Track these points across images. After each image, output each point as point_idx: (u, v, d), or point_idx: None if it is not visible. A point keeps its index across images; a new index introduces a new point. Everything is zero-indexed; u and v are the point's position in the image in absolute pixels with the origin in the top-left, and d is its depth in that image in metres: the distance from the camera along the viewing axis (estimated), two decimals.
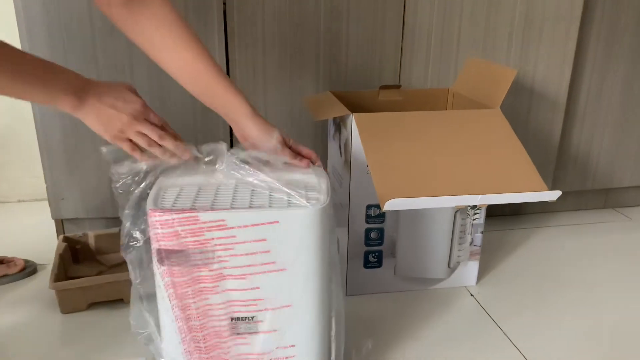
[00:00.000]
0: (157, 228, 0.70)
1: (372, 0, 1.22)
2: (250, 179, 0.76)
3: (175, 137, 0.83)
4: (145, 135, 0.81)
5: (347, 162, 1.04)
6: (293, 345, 0.77)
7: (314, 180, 0.79)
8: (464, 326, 1.03)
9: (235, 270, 0.72)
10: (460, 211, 1.10)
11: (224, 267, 0.72)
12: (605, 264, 1.28)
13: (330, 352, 0.82)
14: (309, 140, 1.29)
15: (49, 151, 1.20)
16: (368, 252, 1.10)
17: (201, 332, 0.75)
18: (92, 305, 1.06)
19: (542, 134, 1.40)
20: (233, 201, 0.72)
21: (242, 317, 0.74)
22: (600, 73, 1.40)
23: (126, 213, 0.77)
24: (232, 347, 0.76)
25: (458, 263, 1.15)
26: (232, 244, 0.70)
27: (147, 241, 0.74)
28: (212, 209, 0.70)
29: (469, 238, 1.13)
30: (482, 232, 1.13)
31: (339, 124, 1.09)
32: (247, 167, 0.77)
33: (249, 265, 0.72)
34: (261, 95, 1.24)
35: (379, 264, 1.11)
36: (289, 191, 0.73)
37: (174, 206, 0.71)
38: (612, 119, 1.45)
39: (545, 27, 1.31)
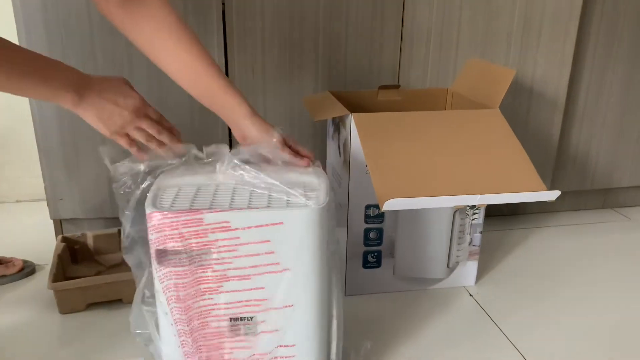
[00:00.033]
0: (159, 230, 0.70)
1: (371, 1, 1.22)
2: (250, 179, 0.76)
3: (172, 130, 0.85)
4: (143, 130, 0.81)
5: (346, 162, 1.04)
6: (294, 345, 0.77)
7: (314, 180, 0.79)
8: (463, 326, 1.03)
9: (239, 271, 0.72)
10: (459, 211, 1.10)
11: (228, 269, 0.71)
12: (604, 264, 1.28)
13: (330, 352, 0.82)
14: (308, 141, 1.29)
15: (47, 151, 1.20)
16: (367, 252, 1.10)
17: (202, 333, 0.75)
18: (91, 305, 1.06)
19: (541, 134, 1.40)
20: (232, 202, 0.72)
21: (243, 318, 0.74)
22: (599, 73, 1.40)
23: (126, 215, 0.76)
24: (233, 347, 0.76)
25: (457, 263, 1.15)
26: (235, 245, 0.70)
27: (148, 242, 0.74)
28: (217, 210, 0.70)
29: (468, 238, 1.13)
30: (481, 232, 1.13)
31: (338, 124, 1.09)
32: (247, 167, 0.77)
33: (253, 266, 0.72)
34: (260, 95, 1.24)
35: (378, 264, 1.11)
36: (291, 191, 0.73)
37: (172, 207, 0.70)
38: (611, 119, 1.45)
39: (544, 28, 1.31)
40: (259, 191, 0.75)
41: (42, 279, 1.17)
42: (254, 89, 1.23)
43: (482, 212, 1.12)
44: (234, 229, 0.70)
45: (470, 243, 1.13)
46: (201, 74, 0.81)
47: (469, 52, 1.30)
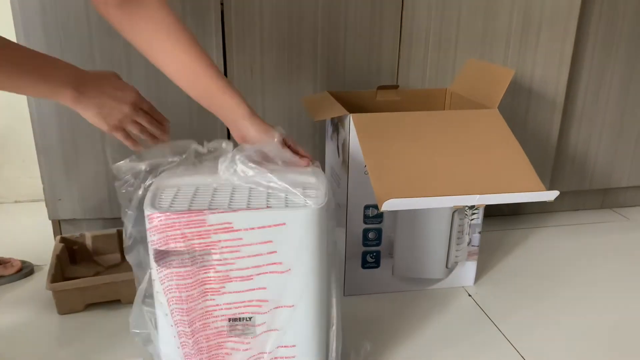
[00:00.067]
0: (162, 231, 0.69)
1: (370, 1, 1.22)
2: (258, 178, 0.76)
3: (162, 121, 0.89)
4: (138, 123, 0.83)
5: (345, 163, 1.04)
6: (294, 346, 0.77)
7: (313, 180, 0.79)
8: (462, 326, 1.03)
9: (241, 272, 0.72)
10: (458, 211, 1.10)
11: (230, 270, 0.71)
12: (603, 264, 1.28)
13: (330, 352, 0.82)
14: (307, 141, 1.29)
15: (46, 152, 1.20)
16: (366, 253, 1.10)
17: (203, 334, 0.75)
18: (89, 306, 1.06)
19: (539, 134, 1.40)
20: (231, 202, 0.72)
21: (244, 318, 0.74)
22: (598, 73, 1.40)
23: (129, 214, 0.76)
24: (233, 348, 0.76)
25: (456, 263, 1.15)
26: (238, 246, 0.70)
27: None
28: (220, 211, 0.69)
29: (466, 238, 1.13)
30: (479, 232, 1.13)
31: (337, 124, 1.09)
32: (247, 166, 0.76)
33: (255, 267, 0.72)
34: (259, 96, 1.24)
35: (376, 264, 1.11)
36: (294, 191, 0.73)
37: (172, 207, 0.70)
38: (609, 119, 1.45)
39: (543, 28, 1.31)
40: (260, 189, 0.75)
41: (40, 279, 1.17)
42: (252, 90, 1.23)
43: (481, 212, 1.12)
44: (237, 230, 0.70)
45: (469, 243, 1.13)
46: (200, 75, 0.81)
47: (467, 52, 1.30)
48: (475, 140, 0.98)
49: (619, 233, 1.45)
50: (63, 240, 1.18)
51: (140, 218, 0.73)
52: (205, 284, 0.72)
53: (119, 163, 0.78)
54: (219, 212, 0.69)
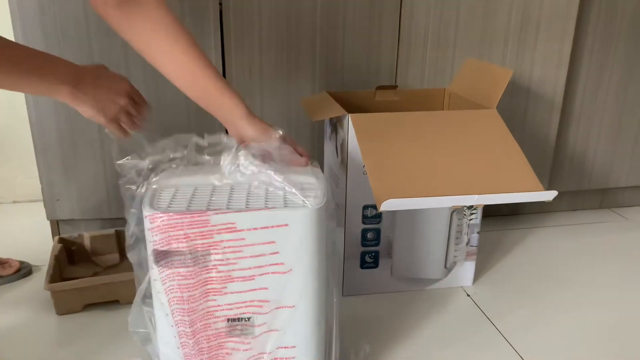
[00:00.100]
0: (164, 231, 0.69)
1: (369, 1, 1.22)
2: (253, 177, 0.76)
3: (146, 106, 0.91)
4: (129, 113, 0.86)
5: (344, 163, 1.04)
6: (294, 347, 0.77)
7: (313, 180, 0.78)
8: (461, 326, 1.03)
9: (243, 272, 0.72)
10: (456, 211, 1.10)
11: (232, 270, 0.71)
12: (602, 264, 1.28)
13: (330, 352, 0.82)
14: (306, 141, 1.29)
15: (44, 152, 1.20)
16: (364, 253, 1.10)
17: (204, 335, 0.75)
18: (88, 306, 1.06)
19: (538, 134, 1.40)
20: (229, 202, 0.72)
21: (245, 319, 0.74)
22: (597, 73, 1.40)
23: (132, 212, 0.76)
24: (234, 348, 0.76)
25: (454, 263, 1.15)
26: (241, 246, 0.70)
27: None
28: (223, 211, 0.69)
29: (465, 238, 1.13)
30: (478, 233, 1.13)
31: (336, 124, 1.09)
32: (251, 163, 0.76)
33: (257, 267, 0.72)
34: (257, 96, 1.24)
35: (375, 264, 1.11)
36: (295, 191, 0.73)
37: (173, 208, 0.70)
38: (608, 119, 1.45)
39: (541, 27, 1.31)
40: (258, 191, 0.75)
41: (39, 280, 1.17)
42: (251, 90, 1.23)
43: (479, 212, 1.12)
44: (240, 230, 0.70)
45: (467, 243, 1.13)
46: (198, 75, 0.81)
47: (466, 52, 1.30)
48: (473, 140, 0.98)
49: (618, 233, 1.45)
50: (61, 240, 1.18)
51: (142, 217, 0.73)
52: (207, 284, 0.72)
53: (122, 160, 0.78)
54: (222, 213, 0.69)
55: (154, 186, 0.76)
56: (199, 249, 0.70)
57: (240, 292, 0.73)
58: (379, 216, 1.07)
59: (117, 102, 0.84)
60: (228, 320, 0.74)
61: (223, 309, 0.74)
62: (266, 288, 0.73)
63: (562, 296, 1.14)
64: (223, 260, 0.71)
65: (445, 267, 1.14)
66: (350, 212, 1.06)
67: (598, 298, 1.13)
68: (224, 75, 1.20)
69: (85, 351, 0.95)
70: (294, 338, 0.77)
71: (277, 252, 0.71)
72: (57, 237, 1.19)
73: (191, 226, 0.69)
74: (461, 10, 1.26)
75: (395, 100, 1.21)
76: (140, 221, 0.73)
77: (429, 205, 0.90)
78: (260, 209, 0.70)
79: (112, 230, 1.21)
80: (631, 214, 1.57)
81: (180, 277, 0.71)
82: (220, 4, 1.16)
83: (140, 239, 0.76)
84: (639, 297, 1.14)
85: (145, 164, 0.78)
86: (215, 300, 0.73)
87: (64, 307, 1.04)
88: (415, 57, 1.28)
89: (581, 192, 1.57)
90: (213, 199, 0.73)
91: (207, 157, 0.80)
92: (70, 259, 1.19)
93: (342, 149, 1.05)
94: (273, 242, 0.71)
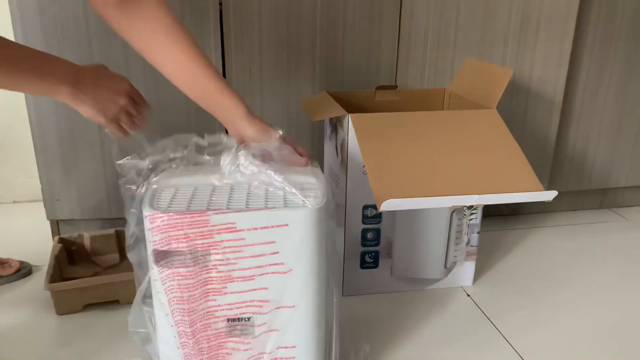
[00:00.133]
0: (164, 231, 0.69)
1: (369, 1, 1.22)
2: (253, 177, 0.76)
3: (146, 106, 0.91)
4: (129, 112, 0.86)
5: (344, 163, 1.04)
6: (294, 347, 0.77)
7: (313, 180, 0.79)
8: (461, 326, 1.03)
9: (243, 272, 0.72)
10: (456, 211, 1.10)
11: (232, 270, 0.71)
12: (602, 264, 1.28)
13: (330, 352, 0.82)
14: (306, 141, 1.29)
15: (44, 152, 1.20)
16: (364, 253, 1.10)
17: (204, 335, 0.75)
18: (88, 306, 1.06)
19: (538, 134, 1.40)
20: (229, 202, 0.72)
21: (245, 319, 0.74)
22: (597, 72, 1.40)
23: (132, 212, 0.76)
24: (234, 348, 0.76)
25: (454, 263, 1.15)
26: (241, 246, 0.70)
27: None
28: (223, 211, 0.69)
29: (465, 238, 1.13)
30: (478, 232, 1.13)
31: (336, 124, 1.09)
32: (251, 162, 0.76)
33: (257, 267, 0.72)
34: (257, 96, 1.24)
35: (375, 264, 1.11)
36: (295, 191, 0.73)
37: (173, 208, 0.70)
38: (608, 119, 1.45)
39: (541, 27, 1.31)
40: (258, 191, 0.75)
41: (38, 280, 1.17)
42: (251, 90, 1.23)
43: (479, 212, 1.12)
44: (240, 230, 0.70)
45: (467, 243, 1.13)
46: (198, 75, 0.81)
47: (466, 51, 1.30)
48: (473, 140, 0.98)
49: (618, 233, 1.45)
50: (61, 240, 1.18)
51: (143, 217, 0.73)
52: (207, 284, 0.72)
53: (122, 160, 0.78)
54: (222, 213, 0.69)
55: (154, 186, 0.76)
56: (199, 249, 0.70)
57: (240, 292, 0.73)
58: (379, 216, 1.07)
59: (117, 102, 0.85)
60: (228, 320, 0.74)
61: (223, 309, 0.74)
62: (266, 288, 0.73)
63: (562, 296, 1.14)
64: (223, 260, 0.71)
65: (445, 267, 1.14)
66: (350, 212, 1.06)
67: (598, 298, 1.13)
68: (224, 75, 1.20)
69: (85, 351, 0.95)
70: (294, 338, 0.76)
71: (277, 252, 0.71)
72: (57, 237, 1.19)
73: (191, 226, 0.69)
74: (461, 10, 1.26)
75: (395, 100, 1.21)
76: (140, 221, 0.73)
77: (429, 205, 0.90)
78: (260, 209, 0.70)
79: (112, 230, 1.21)
80: (631, 214, 1.57)
81: (180, 277, 0.71)
82: (220, 4, 1.16)
83: (141, 239, 0.75)
84: (638, 297, 1.14)
85: (145, 164, 0.78)
86: (215, 300, 0.73)
87: (64, 307, 1.04)
88: (415, 57, 1.28)
89: (581, 192, 1.57)
90: (213, 199, 0.73)
91: (207, 157, 0.80)
92: (70, 259, 1.19)
93: (342, 149, 1.05)
94: (273, 242, 0.71)
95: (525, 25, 1.30)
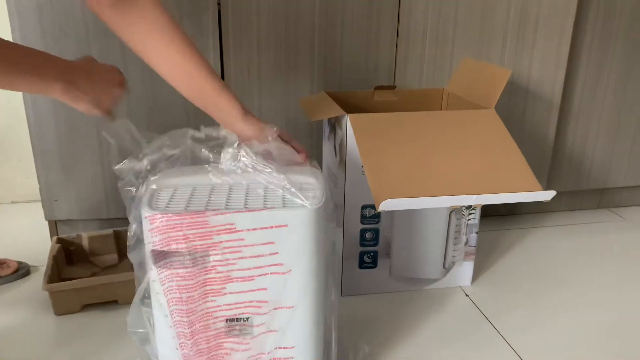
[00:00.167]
0: (163, 232, 0.69)
1: (367, 1, 1.22)
2: (250, 178, 0.76)
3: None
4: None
5: (342, 163, 1.04)
6: (293, 347, 0.77)
7: (312, 180, 0.78)
8: (459, 326, 1.03)
9: (243, 272, 0.72)
10: (455, 211, 1.10)
11: (232, 270, 0.71)
12: (600, 264, 1.28)
13: (328, 352, 0.82)
14: (304, 141, 1.29)
15: (42, 152, 1.19)
16: (363, 253, 1.10)
17: (203, 336, 0.75)
18: (86, 306, 1.05)
19: (536, 133, 1.40)
20: (228, 202, 0.72)
21: (245, 319, 0.74)
22: (595, 72, 1.40)
23: (133, 213, 0.76)
24: (233, 349, 0.76)
25: (453, 263, 1.15)
26: (240, 247, 0.70)
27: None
28: (223, 212, 0.69)
29: (463, 238, 1.13)
30: (477, 232, 1.13)
31: (334, 124, 1.09)
32: (252, 160, 0.76)
33: (257, 267, 0.72)
34: (256, 96, 1.23)
35: (374, 264, 1.11)
36: (294, 191, 0.73)
37: (171, 208, 0.70)
38: (606, 119, 1.45)
39: (539, 25, 1.31)
40: (258, 190, 0.74)
41: (37, 280, 1.16)
42: (249, 90, 1.22)
43: (478, 212, 1.12)
44: (239, 231, 0.70)
45: (466, 243, 1.14)
46: (194, 76, 0.80)
47: (464, 50, 1.30)
48: (472, 140, 0.98)
49: (616, 233, 1.45)
50: (60, 240, 1.18)
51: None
52: (206, 285, 0.72)
53: (120, 165, 0.78)
54: (221, 213, 0.69)
55: (153, 186, 0.76)
56: (198, 249, 0.70)
57: (240, 292, 0.73)
58: (377, 216, 1.07)
59: (112, 93, 0.87)
60: (227, 320, 0.74)
61: (222, 310, 0.74)
62: (265, 288, 0.73)
63: (560, 296, 1.14)
64: (222, 260, 0.71)
65: (443, 267, 1.14)
66: (349, 212, 1.06)
67: (596, 298, 1.14)
68: (222, 75, 1.20)
69: (83, 351, 0.94)
70: (292, 338, 0.76)
71: (277, 253, 0.71)
72: (55, 238, 1.19)
73: (190, 227, 0.69)
74: (460, 7, 1.26)
75: (393, 101, 1.21)
76: (141, 222, 0.73)
77: (428, 205, 0.90)
78: (260, 210, 0.70)
79: (110, 231, 1.21)
80: (629, 214, 1.57)
81: (179, 278, 0.71)
82: (219, 3, 1.16)
83: (142, 240, 0.75)
84: (636, 297, 1.14)
85: (144, 164, 0.78)
86: (214, 300, 0.73)
87: (62, 307, 1.04)
88: (413, 54, 1.28)
89: (579, 192, 1.57)
90: (212, 199, 0.72)
91: (205, 152, 0.79)
92: (69, 259, 1.19)
93: (340, 149, 1.05)
94: (272, 242, 0.71)
95: (524, 23, 1.30)
